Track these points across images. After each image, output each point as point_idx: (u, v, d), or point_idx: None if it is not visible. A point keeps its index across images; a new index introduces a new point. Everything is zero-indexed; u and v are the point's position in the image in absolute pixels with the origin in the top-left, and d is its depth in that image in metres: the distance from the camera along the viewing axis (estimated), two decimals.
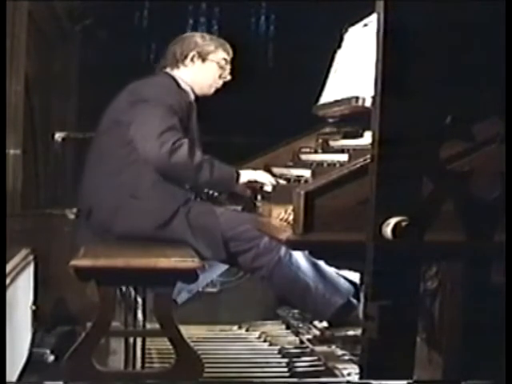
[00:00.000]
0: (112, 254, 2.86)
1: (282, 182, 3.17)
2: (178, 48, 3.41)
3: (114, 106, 3.31)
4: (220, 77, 3.44)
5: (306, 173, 3.05)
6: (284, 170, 3.36)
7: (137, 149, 3.17)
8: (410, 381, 2.06)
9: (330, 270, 3.30)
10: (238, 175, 3.22)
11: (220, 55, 3.43)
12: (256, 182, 3.19)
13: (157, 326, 2.83)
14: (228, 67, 3.46)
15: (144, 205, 3.19)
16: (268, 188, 3.12)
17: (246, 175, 3.23)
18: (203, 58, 3.40)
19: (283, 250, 3.18)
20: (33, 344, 3.39)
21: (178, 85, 3.37)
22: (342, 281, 3.31)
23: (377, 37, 2.01)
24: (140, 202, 3.19)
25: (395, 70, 1.98)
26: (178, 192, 3.24)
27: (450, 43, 2.18)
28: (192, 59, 3.40)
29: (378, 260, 1.97)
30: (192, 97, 3.40)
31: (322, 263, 3.27)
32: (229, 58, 3.46)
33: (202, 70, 3.42)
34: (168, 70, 3.43)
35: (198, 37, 3.46)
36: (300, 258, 3.23)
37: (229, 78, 3.46)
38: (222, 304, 3.97)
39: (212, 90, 3.46)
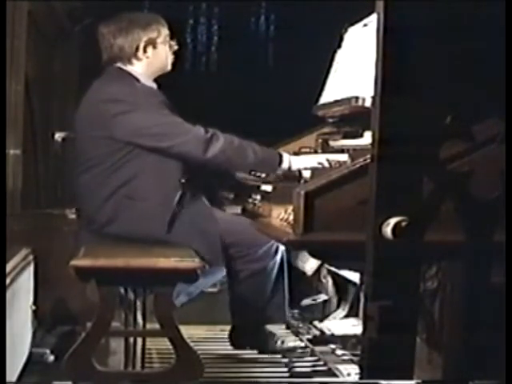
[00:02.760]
0: (112, 254, 2.86)
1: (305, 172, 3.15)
2: (123, 41, 3.27)
3: (90, 118, 3.22)
4: (171, 49, 3.36)
5: (306, 172, 3.05)
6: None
7: (169, 155, 3.15)
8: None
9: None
10: (281, 156, 3.21)
11: (163, 33, 3.33)
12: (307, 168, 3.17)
13: (157, 326, 2.83)
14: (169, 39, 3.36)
15: (142, 206, 3.18)
16: (307, 174, 3.10)
17: (296, 163, 3.20)
18: (153, 45, 3.30)
19: (272, 261, 3.25)
20: (33, 344, 3.40)
21: (138, 81, 3.27)
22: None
23: (377, 37, 2.01)
24: (138, 203, 3.19)
25: (395, 70, 1.98)
26: (175, 192, 3.23)
27: (449, 43, 2.18)
28: (144, 50, 3.29)
29: (378, 260, 1.97)
30: (155, 87, 3.34)
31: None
32: (167, 29, 3.34)
33: (156, 55, 3.31)
34: (120, 65, 3.29)
35: (136, 25, 3.28)
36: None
37: (176, 47, 3.37)
38: (222, 304, 3.96)
39: (170, 67, 3.37)
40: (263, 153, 3.21)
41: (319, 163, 3.12)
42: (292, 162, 3.20)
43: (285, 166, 3.19)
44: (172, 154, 3.16)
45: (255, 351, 3.47)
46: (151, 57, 3.30)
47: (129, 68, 3.30)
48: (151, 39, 3.29)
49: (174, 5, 5.06)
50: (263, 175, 3.30)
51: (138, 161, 3.18)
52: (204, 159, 3.15)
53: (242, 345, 3.44)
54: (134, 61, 3.29)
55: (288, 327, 3.96)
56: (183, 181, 3.26)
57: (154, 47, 3.30)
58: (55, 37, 4.73)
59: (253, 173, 3.34)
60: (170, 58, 3.37)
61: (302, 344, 3.51)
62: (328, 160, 3.11)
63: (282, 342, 3.43)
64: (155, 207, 3.17)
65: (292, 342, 3.50)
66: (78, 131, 3.32)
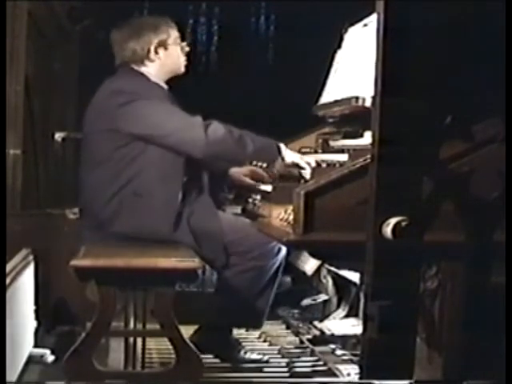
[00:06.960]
0: (112, 253, 2.86)
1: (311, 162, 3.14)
2: (135, 45, 3.32)
3: (97, 112, 3.25)
4: (182, 51, 3.39)
5: (307, 172, 3.05)
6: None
7: (168, 146, 3.14)
8: (412, 381, 2.06)
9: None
10: (279, 146, 3.20)
11: (173, 35, 3.36)
12: (298, 165, 3.15)
13: (157, 326, 2.83)
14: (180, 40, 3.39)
15: (147, 202, 3.18)
16: (307, 174, 3.07)
17: (291, 156, 3.20)
18: (164, 46, 3.34)
19: (272, 261, 3.22)
20: (33, 344, 3.39)
21: (148, 80, 3.31)
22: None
23: (377, 37, 2.01)
24: (143, 199, 3.19)
25: (395, 69, 1.98)
26: (178, 190, 3.23)
27: (449, 43, 2.18)
28: (156, 51, 3.33)
29: (378, 260, 1.98)
30: (165, 87, 3.37)
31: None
32: (176, 31, 3.39)
33: (168, 57, 3.35)
34: (134, 66, 3.34)
35: (146, 28, 3.33)
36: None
37: (187, 49, 3.41)
38: None
39: (183, 69, 3.41)
40: (262, 142, 3.21)
41: (307, 162, 3.13)
42: (287, 153, 3.20)
43: (283, 155, 3.18)
44: (171, 144, 3.16)
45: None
46: (163, 58, 3.34)
47: (142, 69, 3.35)
48: (162, 41, 3.33)
49: (174, 5, 5.07)
50: (264, 165, 3.29)
51: (143, 157, 3.19)
52: (204, 148, 3.13)
53: (204, 349, 3.11)
54: (147, 62, 3.34)
55: (288, 327, 3.96)
56: (186, 179, 3.26)
57: (166, 49, 3.35)
58: (55, 37, 4.73)
59: (254, 163, 3.34)
60: (183, 60, 3.41)
61: (266, 358, 3.36)
62: (316, 161, 3.12)
63: (245, 353, 3.34)
64: (161, 205, 3.17)
65: (257, 354, 3.38)
66: (85, 128, 3.33)
